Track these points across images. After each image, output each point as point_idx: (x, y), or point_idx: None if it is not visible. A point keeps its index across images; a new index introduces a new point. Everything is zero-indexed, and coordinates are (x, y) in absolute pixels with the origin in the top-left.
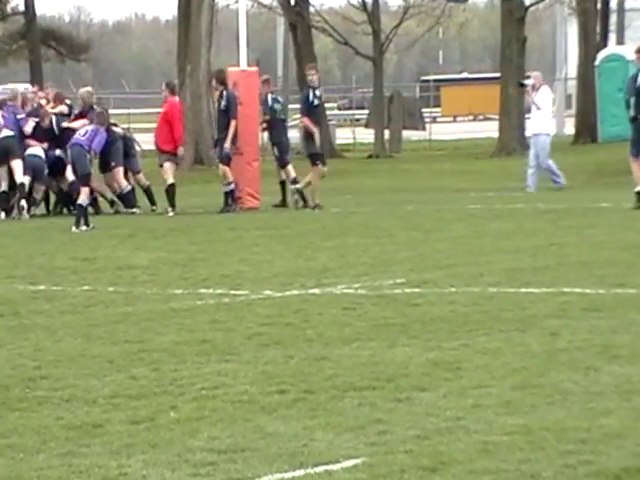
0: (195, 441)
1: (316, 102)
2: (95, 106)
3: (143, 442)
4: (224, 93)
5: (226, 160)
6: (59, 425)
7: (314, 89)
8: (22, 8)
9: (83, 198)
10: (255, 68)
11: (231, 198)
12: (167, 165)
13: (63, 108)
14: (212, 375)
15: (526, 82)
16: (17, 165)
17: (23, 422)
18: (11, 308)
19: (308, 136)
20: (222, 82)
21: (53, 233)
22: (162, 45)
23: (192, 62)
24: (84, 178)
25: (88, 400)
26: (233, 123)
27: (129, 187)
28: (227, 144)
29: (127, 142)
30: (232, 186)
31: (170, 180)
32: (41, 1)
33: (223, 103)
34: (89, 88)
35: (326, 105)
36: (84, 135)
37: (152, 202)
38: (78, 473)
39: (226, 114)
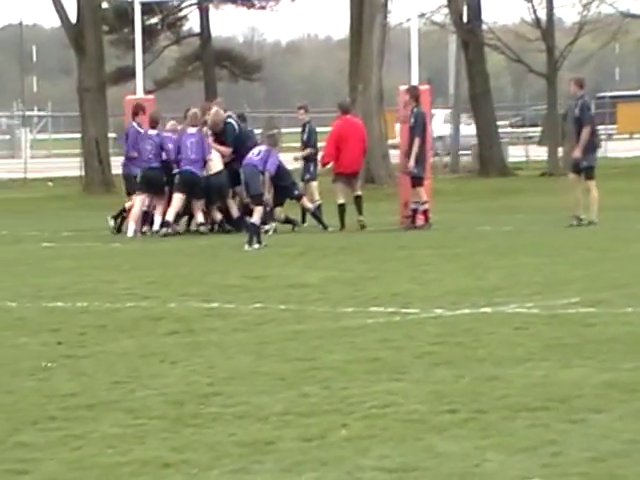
0: (366, 460)
1: (577, 112)
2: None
3: (314, 460)
4: (414, 110)
5: (418, 181)
6: (232, 441)
7: (576, 99)
8: (197, 30)
9: (256, 217)
10: (427, 86)
11: (425, 217)
12: (335, 185)
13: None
14: (382, 394)
15: None
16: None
17: (197, 438)
18: (185, 325)
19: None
20: (416, 99)
21: (225, 251)
22: (334, 64)
23: (363, 81)
24: (257, 198)
25: (260, 417)
26: (416, 142)
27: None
28: (411, 163)
29: None
30: (426, 206)
31: (340, 200)
32: (216, 23)
33: (412, 120)
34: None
35: (498, 123)
36: (257, 155)
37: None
38: None
39: (413, 132)
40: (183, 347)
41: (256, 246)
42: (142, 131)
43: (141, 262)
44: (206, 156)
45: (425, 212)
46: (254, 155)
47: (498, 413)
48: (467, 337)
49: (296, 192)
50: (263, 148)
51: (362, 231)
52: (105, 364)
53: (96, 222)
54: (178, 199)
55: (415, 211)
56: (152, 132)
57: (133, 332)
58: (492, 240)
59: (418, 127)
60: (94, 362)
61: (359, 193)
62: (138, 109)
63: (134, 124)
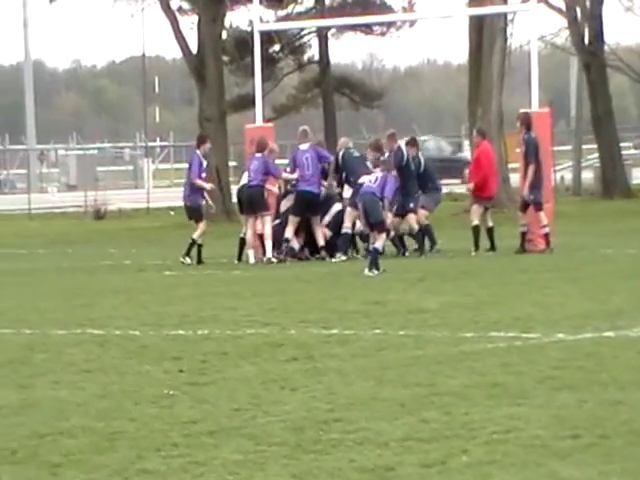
0: None
1: None
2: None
3: None
4: (525, 137)
5: (537, 206)
6: (352, 467)
7: None
8: (317, 57)
9: (379, 244)
10: (546, 109)
11: (546, 240)
12: (474, 207)
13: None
14: (503, 419)
15: None
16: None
17: (317, 464)
18: (305, 352)
19: None
20: (527, 125)
21: (346, 277)
22: (453, 89)
23: (483, 105)
24: (379, 225)
25: (380, 443)
26: (530, 168)
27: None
28: (525, 190)
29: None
30: (547, 229)
31: (475, 222)
32: (335, 50)
33: (523, 147)
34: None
35: (622, 145)
36: (375, 182)
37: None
38: None
39: (526, 158)
40: (303, 373)
41: (376, 272)
42: (204, 160)
43: (261, 289)
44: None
45: (546, 235)
46: (371, 183)
47: (623, 438)
48: (590, 361)
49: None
50: (379, 175)
51: (483, 255)
52: (226, 391)
53: (217, 250)
54: (293, 222)
55: (524, 234)
56: (258, 155)
57: (254, 359)
58: (615, 263)
59: (530, 153)
60: (215, 389)
61: (492, 224)
62: (205, 138)
63: (197, 153)
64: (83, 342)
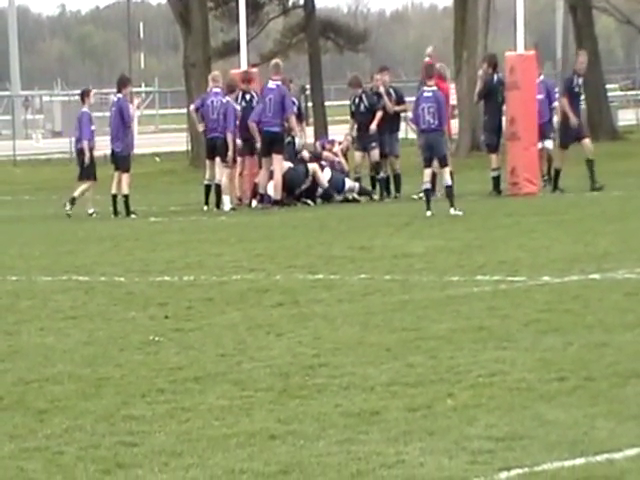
0: (472, 429)
1: None
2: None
3: (420, 429)
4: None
5: (489, 148)
6: (338, 412)
7: None
8: (302, 1)
9: (447, 178)
10: (532, 52)
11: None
12: None
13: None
14: (489, 362)
15: None
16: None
17: (303, 409)
18: (291, 297)
19: None
20: (493, 66)
21: (331, 223)
22: (439, 33)
23: (469, 48)
24: (444, 159)
25: (366, 387)
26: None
27: None
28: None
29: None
30: (495, 173)
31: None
32: None
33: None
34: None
35: (608, 86)
36: (434, 119)
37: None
38: (357, 460)
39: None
40: (289, 319)
41: (460, 211)
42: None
43: (247, 235)
44: (287, 113)
45: (495, 179)
46: (432, 121)
47: (608, 380)
48: (576, 304)
49: None
50: (433, 106)
51: (468, 199)
52: (212, 337)
53: (201, 196)
54: (265, 165)
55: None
56: (224, 101)
57: (239, 305)
58: (601, 205)
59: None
60: (201, 335)
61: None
62: (128, 81)
63: (120, 96)
64: (69, 289)
